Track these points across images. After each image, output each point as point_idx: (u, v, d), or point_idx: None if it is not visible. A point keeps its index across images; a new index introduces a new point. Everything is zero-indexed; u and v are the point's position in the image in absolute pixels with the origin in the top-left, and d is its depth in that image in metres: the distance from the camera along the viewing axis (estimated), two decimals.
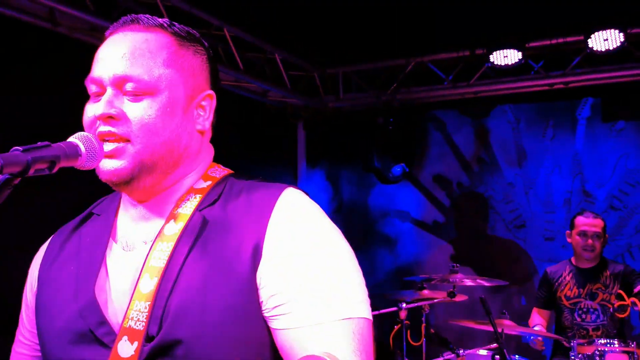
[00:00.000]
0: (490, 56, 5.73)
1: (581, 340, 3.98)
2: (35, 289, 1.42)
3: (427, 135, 7.07)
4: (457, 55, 6.21)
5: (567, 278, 4.69)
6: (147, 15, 1.34)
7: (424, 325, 4.58)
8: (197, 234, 1.24)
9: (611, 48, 5.39)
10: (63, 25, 4.17)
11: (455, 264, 4.29)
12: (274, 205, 1.24)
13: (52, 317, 1.31)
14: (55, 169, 1.17)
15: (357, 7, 5.44)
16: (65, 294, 1.31)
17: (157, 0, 4.44)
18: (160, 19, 1.34)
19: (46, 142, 1.17)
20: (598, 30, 5.37)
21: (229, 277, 1.19)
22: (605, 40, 5.39)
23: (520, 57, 5.66)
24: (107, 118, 1.24)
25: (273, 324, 1.19)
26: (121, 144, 1.24)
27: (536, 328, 4.59)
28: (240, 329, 1.18)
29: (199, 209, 1.28)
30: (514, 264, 6.54)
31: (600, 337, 4.31)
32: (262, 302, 1.19)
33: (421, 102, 6.75)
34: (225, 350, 1.17)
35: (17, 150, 1.11)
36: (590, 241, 4.58)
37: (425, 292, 4.63)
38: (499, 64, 5.73)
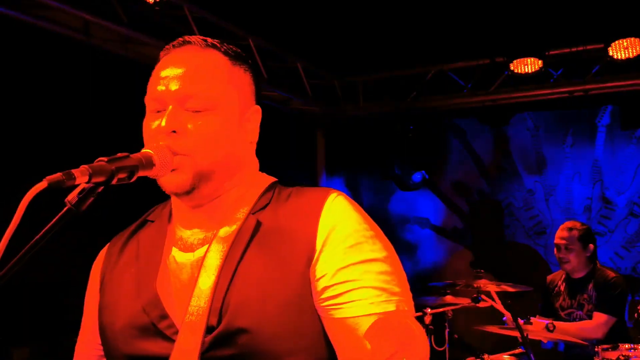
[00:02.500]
0: (511, 64, 5.78)
1: (605, 346, 4.01)
2: (97, 291, 1.51)
3: (447, 142, 7.13)
4: (477, 63, 6.27)
5: (562, 288, 4.72)
6: (200, 37, 1.44)
7: (447, 330, 4.63)
8: (251, 235, 1.34)
9: (631, 56, 5.44)
10: (96, 37, 4.28)
11: (479, 270, 4.34)
12: (322, 207, 1.34)
13: (116, 315, 1.40)
14: (134, 178, 1.26)
15: (376, 15, 5.52)
16: (127, 293, 1.40)
17: (186, 12, 4.55)
18: (212, 40, 1.43)
19: (125, 153, 1.26)
20: (618, 39, 5.42)
21: (285, 273, 1.29)
22: (625, 48, 5.44)
23: (541, 65, 5.71)
24: (170, 133, 1.32)
25: (327, 315, 1.28)
26: (181, 157, 1.33)
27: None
28: (296, 318, 1.27)
29: (251, 212, 1.39)
30: (533, 271, 6.56)
31: (597, 341, 4.35)
32: (315, 294, 1.29)
33: (441, 110, 6.81)
34: (283, 339, 1.26)
35: (102, 160, 1.19)
36: (557, 253, 4.59)
37: (448, 297, 4.68)
38: (519, 72, 5.79)
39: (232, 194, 1.43)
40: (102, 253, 1.57)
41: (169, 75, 1.36)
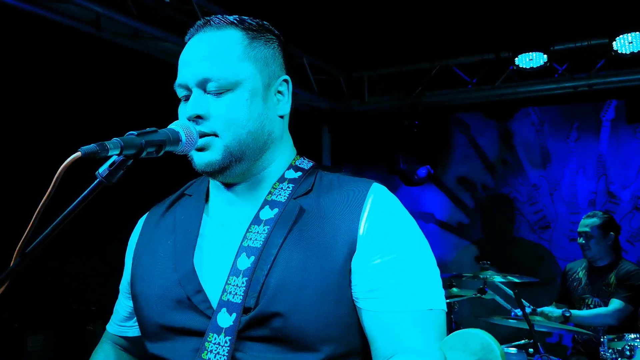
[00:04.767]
0: (515, 59, 5.81)
1: (611, 335, 4.05)
2: (131, 259, 1.54)
3: (452, 137, 7.17)
4: (482, 58, 6.30)
5: (580, 274, 4.79)
6: (219, 16, 1.44)
7: (453, 322, 4.67)
8: (294, 221, 1.35)
9: (636, 51, 5.46)
10: (106, 30, 4.32)
11: (485, 261, 4.38)
12: (365, 200, 1.35)
13: (151, 285, 1.42)
14: (161, 152, 1.29)
15: (381, 11, 5.56)
16: (164, 264, 1.42)
17: (194, 7, 4.60)
18: (231, 17, 1.43)
19: (154, 128, 1.29)
20: (622, 33, 5.45)
21: (326, 262, 1.30)
22: (629, 43, 5.47)
23: (545, 60, 5.74)
24: (196, 117, 1.35)
25: (366, 306, 1.30)
26: (210, 138, 1.35)
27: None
28: (333, 307, 1.29)
29: (293, 197, 1.39)
30: (538, 265, 6.60)
31: (607, 332, 4.41)
32: (355, 284, 1.30)
33: (446, 105, 6.84)
34: (318, 326, 1.28)
35: (132, 134, 1.22)
36: (579, 240, 4.69)
37: (454, 289, 4.72)
38: (524, 66, 5.82)
39: (269, 174, 1.43)
40: (140, 223, 1.60)
41: (189, 59, 1.38)
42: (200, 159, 1.36)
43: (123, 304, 1.63)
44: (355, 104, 7.10)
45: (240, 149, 1.36)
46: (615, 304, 4.45)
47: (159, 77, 4.87)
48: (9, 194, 3.95)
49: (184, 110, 1.38)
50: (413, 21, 5.70)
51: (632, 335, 3.97)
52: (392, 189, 6.86)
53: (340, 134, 7.43)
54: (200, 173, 1.41)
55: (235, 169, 1.38)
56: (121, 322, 1.65)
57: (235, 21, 1.42)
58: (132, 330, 1.63)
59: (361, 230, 1.32)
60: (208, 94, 1.35)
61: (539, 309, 4.52)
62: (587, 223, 4.70)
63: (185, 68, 1.38)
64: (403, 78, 6.82)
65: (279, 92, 1.44)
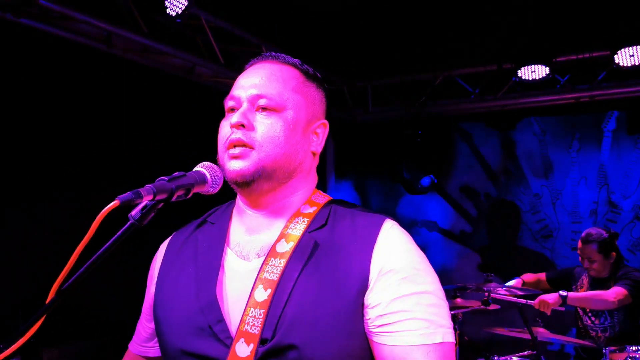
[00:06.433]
0: (518, 71, 5.88)
1: (613, 347, 4.11)
2: (154, 283, 1.61)
3: (455, 147, 7.23)
4: (485, 69, 6.37)
5: (585, 281, 4.86)
6: (284, 55, 1.58)
7: (457, 332, 4.74)
8: (309, 255, 1.42)
9: (637, 63, 5.53)
10: (116, 47, 4.39)
11: (489, 273, 4.44)
12: (377, 236, 1.42)
13: (174, 312, 1.49)
14: (190, 195, 1.37)
15: (385, 22, 5.62)
16: (186, 292, 1.49)
17: (203, 21, 4.67)
18: (293, 59, 1.58)
19: (182, 172, 1.37)
20: (624, 46, 5.52)
21: (339, 295, 1.37)
22: (631, 55, 5.54)
23: (548, 71, 5.80)
24: (239, 126, 1.45)
25: (379, 339, 1.37)
26: (247, 148, 1.45)
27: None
28: (345, 340, 1.35)
29: (308, 231, 1.46)
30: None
31: (608, 338, 4.46)
32: (369, 319, 1.37)
33: (449, 115, 6.91)
34: (332, 357, 1.34)
35: (162, 179, 1.30)
36: (581, 262, 4.75)
37: (458, 300, 4.79)
38: (526, 78, 5.88)
39: (290, 205, 1.51)
40: (162, 248, 1.66)
41: (247, 81, 1.50)
42: (233, 166, 1.44)
43: (145, 326, 1.70)
44: (359, 113, 7.17)
45: (272, 167, 1.45)
46: (616, 288, 4.45)
47: (169, 92, 4.97)
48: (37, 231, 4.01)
49: (228, 119, 1.48)
50: (417, 32, 5.77)
51: (634, 347, 4.03)
52: (396, 197, 6.91)
53: (344, 143, 7.49)
54: (229, 182, 1.48)
55: (262, 185, 1.46)
56: (143, 342, 1.72)
57: (297, 63, 1.56)
58: (154, 350, 1.69)
59: (373, 267, 1.38)
60: (256, 110, 1.47)
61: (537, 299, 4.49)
62: (584, 249, 4.71)
63: (242, 85, 1.50)
64: (406, 88, 6.89)
65: (316, 133, 1.55)
